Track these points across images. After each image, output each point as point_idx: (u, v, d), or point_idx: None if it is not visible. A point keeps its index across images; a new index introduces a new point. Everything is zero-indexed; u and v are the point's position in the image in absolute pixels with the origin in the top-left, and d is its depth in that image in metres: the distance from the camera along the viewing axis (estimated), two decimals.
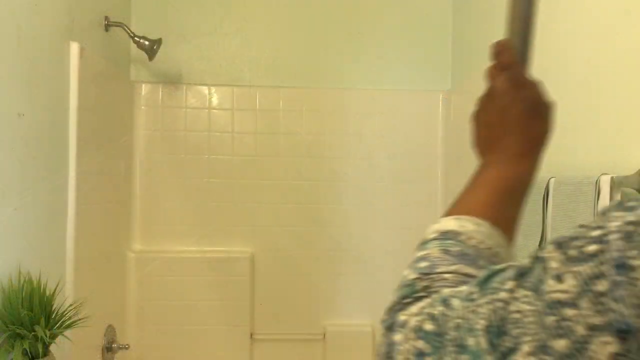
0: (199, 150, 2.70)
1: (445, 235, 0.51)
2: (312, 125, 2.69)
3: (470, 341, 0.39)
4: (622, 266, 0.34)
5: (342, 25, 2.73)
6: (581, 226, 0.38)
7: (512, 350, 0.36)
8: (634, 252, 0.34)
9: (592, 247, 0.36)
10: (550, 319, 0.35)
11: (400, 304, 0.46)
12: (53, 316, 1.49)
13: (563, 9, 1.68)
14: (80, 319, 1.55)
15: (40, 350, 1.40)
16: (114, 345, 2.30)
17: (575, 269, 0.36)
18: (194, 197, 2.69)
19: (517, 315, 0.37)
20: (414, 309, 0.44)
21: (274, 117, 2.72)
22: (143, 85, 2.67)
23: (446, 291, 0.43)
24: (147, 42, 2.32)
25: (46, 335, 1.39)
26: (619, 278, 0.34)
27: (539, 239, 1.56)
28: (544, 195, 1.55)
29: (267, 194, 2.71)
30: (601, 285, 0.34)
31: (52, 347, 1.48)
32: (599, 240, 0.36)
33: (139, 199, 2.65)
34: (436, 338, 0.41)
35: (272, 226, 2.71)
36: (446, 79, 2.69)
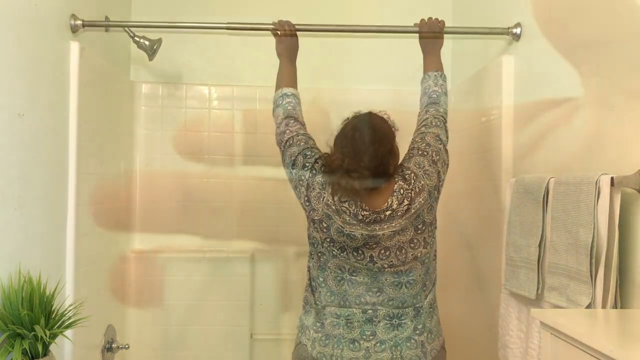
0: (199, 150, 2.70)
1: (282, 93, 1.89)
2: (312, 125, 2.68)
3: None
4: None
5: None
6: None
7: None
8: None
9: None
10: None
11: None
12: (53, 316, 1.49)
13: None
14: (80, 319, 1.55)
15: (40, 350, 1.40)
16: (114, 345, 2.30)
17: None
18: (194, 197, 2.69)
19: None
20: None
21: None
22: (143, 85, 2.67)
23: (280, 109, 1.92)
24: (147, 42, 2.32)
25: (46, 335, 1.39)
26: None
27: (539, 239, 1.55)
28: (544, 195, 1.54)
29: (267, 194, 2.71)
30: None
31: (52, 347, 1.49)
32: None
33: (139, 199, 2.65)
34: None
35: (272, 226, 2.71)
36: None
